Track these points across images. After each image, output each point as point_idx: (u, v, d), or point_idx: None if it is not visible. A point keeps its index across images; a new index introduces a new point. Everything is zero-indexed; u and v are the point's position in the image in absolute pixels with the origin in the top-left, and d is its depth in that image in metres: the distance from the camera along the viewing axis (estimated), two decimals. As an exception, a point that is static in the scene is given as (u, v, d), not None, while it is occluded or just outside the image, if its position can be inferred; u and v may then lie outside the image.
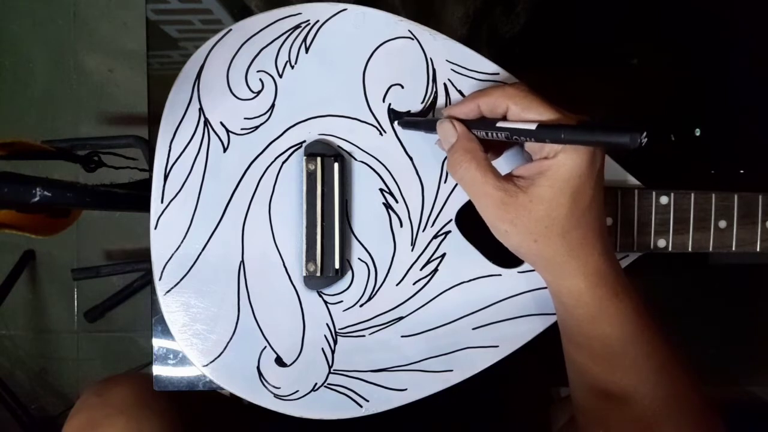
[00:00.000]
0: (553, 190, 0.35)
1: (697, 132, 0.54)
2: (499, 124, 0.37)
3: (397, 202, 0.44)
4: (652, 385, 0.38)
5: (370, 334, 0.44)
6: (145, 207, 0.45)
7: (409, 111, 0.44)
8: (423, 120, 0.43)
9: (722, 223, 0.43)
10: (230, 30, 0.44)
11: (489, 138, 0.38)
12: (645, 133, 0.31)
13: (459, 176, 0.38)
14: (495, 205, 0.37)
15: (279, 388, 0.44)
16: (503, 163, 0.43)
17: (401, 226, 0.44)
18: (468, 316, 0.44)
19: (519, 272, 0.44)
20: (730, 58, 0.55)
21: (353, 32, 0.44)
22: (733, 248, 0.44)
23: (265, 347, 0.44)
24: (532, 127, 0.35)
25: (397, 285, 0.44)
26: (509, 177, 0.38)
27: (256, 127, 0.44)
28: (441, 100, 0.44)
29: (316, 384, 0.44)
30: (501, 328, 0.44)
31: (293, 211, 0.44)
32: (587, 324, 0.38)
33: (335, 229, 0.44)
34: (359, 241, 0.45)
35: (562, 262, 0.37)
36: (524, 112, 0.36)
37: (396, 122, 0.44)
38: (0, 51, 1.16)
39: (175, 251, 0.44)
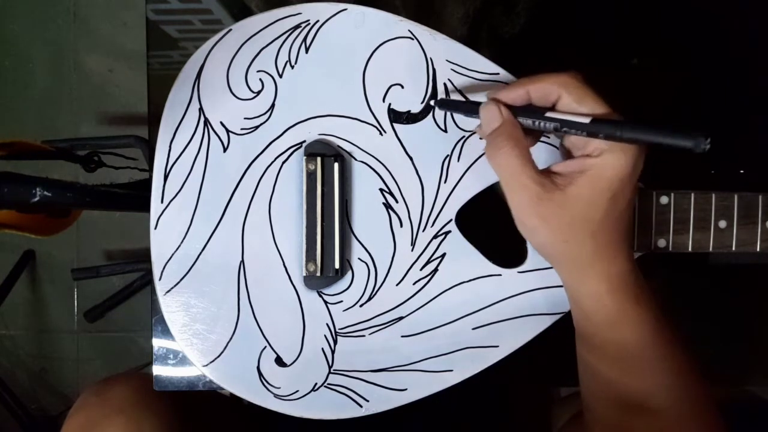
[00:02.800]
0: (594, 191, 0.34)
1: (697, 132, 0.54)
2: (549, 114, 0.35)
3: (397, 202, 0.44)
4: (667, 390, 0.37)
5: (370, 334, 0.44)
6: (145, 207, 0.45)
7: (409, 111, 0.44)
8: (464, 102, 0.42)
9: (722, 223, 0.43)
10: (230, 30, 0.44)
11: (534, 127, 0.36)
12: (709, 139, 0.29)
13: (497, 162, 0.37)
14: (529, 199, 0.35)
15: (279, 388, 0.44)
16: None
17: (401, 226, 0.44)
18: (468, 316, 0.44)
19: (519, 272, 0.44)
20: (730, 58, 0.55)
21: (353, 32, 0.44)
22: (733, 248, 0.44)
23: (265, 347, 0.44)
24: (586, 120, 0.33)
25: (397, 285, 0.44)
26: (547, 172, 0.36)
27: (256, 127, 0.44)
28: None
29: (316, 384, 0.44)
30: (501, 328, 0.44)
31: (293, 211, 0.44)
32: (605, 327, 0.37)
33: (335, 229, 0.44)
34: (359, 241, 0.45)
35: (586, 264, 0.36)
36: (577, 103, 0.35)
37: (433, 101, 0.43)
38: (0, 51, 1.16)
39: (175, 251, 0.44)
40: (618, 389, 0.38)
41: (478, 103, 0.39)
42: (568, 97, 0.35)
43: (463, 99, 0.43)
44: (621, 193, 0.35)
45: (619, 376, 0.38)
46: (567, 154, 0.38)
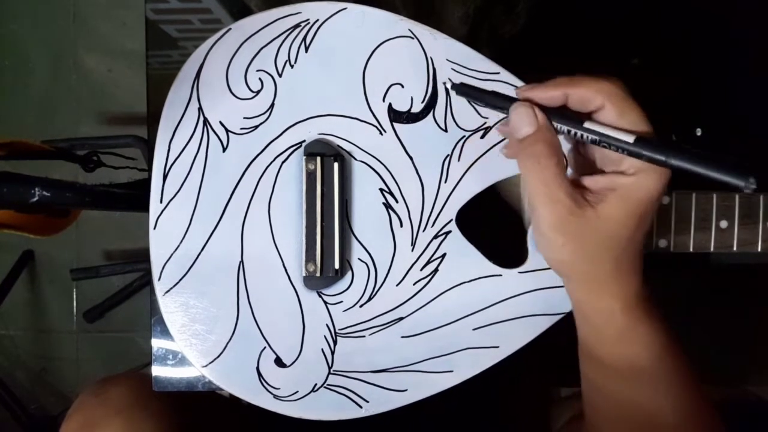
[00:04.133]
0: (625, 211, 0.33)
1: (698, 132, 0.54)
2: (588, 125, 0.33)
3: (397, 202, 0.44)
4: (674, 407, 0.37)
5: (370, 334, 0.44)
6: (145, 207, 0.45)
7: (409, 110, 0.44)
8: (489, 92, 0.38)
9: (723, 223, 0.43)
10: (230, 29, 0.44)
11: (569, 136, 0.34)
12: (754, 179, 0.28)
13: (532, 173, 0.34)
14: (560, 215, 0.33)
15: (278, 388, 0.44)
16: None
17: (401, 226, 0.44)
18: (468, 317, 0.44)
19: (519, 272, 0.44)
20: (730, 58, 0.55)
21: (353, 31, 0.44)
22: (735, 248, 0.43)
23: (265, 348, 0.44)
24: (630, 139, 0.31)
25: (397, 285, 0.44)
26: (577, 186, 0.34)
27: (256, 127, 0.44)
28: (441, 99, 0.44)
29: (315, 385, 0.44)
30: (501, 328, 0.44)
31: (293, 211, 0.44)
32: (614, 343, 0.37)
33: (335, 229, 0.44)
34: (359, 241, 0.45)
35: (604, 282, 0.35)
36: (619, 117, 0.32)
37: (451, 86, 0.39)
38: (0, 51, 1.16)
39: (175, 251, 0.44)
40: (626, 407, 0.38)
41: (509, 99, 0.36)
42: (611, 109, 0.33)
43: (490, 90, 0.38)
44: (648, 214, 0.33)
45: (627, 393, 0.37)
46: (590, 164, 0.36)
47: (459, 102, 0.44)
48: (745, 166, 0.29)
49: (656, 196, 0.33)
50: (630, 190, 0.33)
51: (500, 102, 0.36)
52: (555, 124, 0.34)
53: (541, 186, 0.33)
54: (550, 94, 0.35)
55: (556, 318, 0.44)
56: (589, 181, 0.34)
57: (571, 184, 0.34)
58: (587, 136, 0.33)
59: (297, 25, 0.44)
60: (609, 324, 0.36)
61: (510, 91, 0.41)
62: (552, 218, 0.33)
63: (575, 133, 0.33)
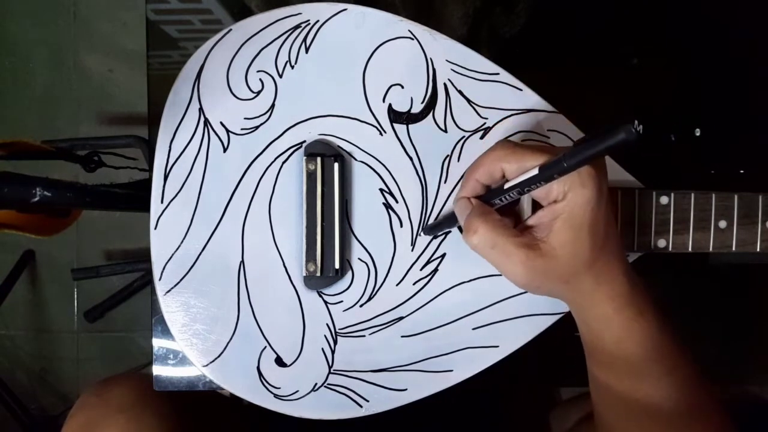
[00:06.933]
0: (573, 230, 0.35)
1: (697, 132, 0.54)
2: (507, 185, 0.36)
3: (397, 202, 0.44)
4: (675, 402, 0.38)
5: (370, 334, 0.44)
6: (145, 207, 0.45)
7: (409, 111, 0.44)
8: (443, 218, 0.44)
9: (722, 223, 0.43)
10: (230, 30, 0.44)
11: (505, 202, 0.38)
12: (636, 121, 0.30)
13: (476, 242, 0.37)
14: (522, 264, 0.36)
15: (279, 388, 0.44)
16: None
17: (401, 226, 0.44)
18: (468, 316, 0.44)
19: (519, 272, 0.44)
20: (730, 58, 0.55)
21: (353, 32, 0.44)
22: (734, 248, 0.44)
23: (265, 347, 0.44)
24: (535, 171, 0.35)
25: (397, 285, 0.44)
26: (524, 229, 0.37)
27: (256, 127, 0.44)
28: (441, 100, 0.44)
29: (316, 384, 0.44)
30: (501, 328, 0.44)
31: (293, 211, 0.44)
32: (613, 345, 0.38)
33: (335, 229, 0.44)
34: (359, 241, 0.45)
35: (590, 292, 0.37)
36: (520, 164, 0.36)
37: (421, 231, 0.44)
38: (0, 51, 1.16)
39: (175, 251, 0.44)
40: (628, 401, 0.39)
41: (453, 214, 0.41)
42: (508, 166, 0.36)
43: (442, 218, 0.44)
44: (596, 220, 0.36)
45: (628, 389, 0.39)
46: (536, 205, 0.38)
47: (459, 102, 0.44)
48: (622, 121, 0.30)
49: (592, 204, 0.35)
50: (567, 211, 0.35)
51: (454, 219, 0.41)
52: (493, 201, 0.38)
53: (488, 250, 0.37)
54: (469, 186, 0.39)
55: (556, 317, 0.44)
56: (532, 219, 0.37)
57: (520, 232, 0.37)
58: (515, 192, 0.37)
59: (297, 26, 0.44)
60: (606, 327, 0.38)
61: (509, 92, 0.44)
62: (515, 271, 0.37)
63: (507, 197, 0.37)
